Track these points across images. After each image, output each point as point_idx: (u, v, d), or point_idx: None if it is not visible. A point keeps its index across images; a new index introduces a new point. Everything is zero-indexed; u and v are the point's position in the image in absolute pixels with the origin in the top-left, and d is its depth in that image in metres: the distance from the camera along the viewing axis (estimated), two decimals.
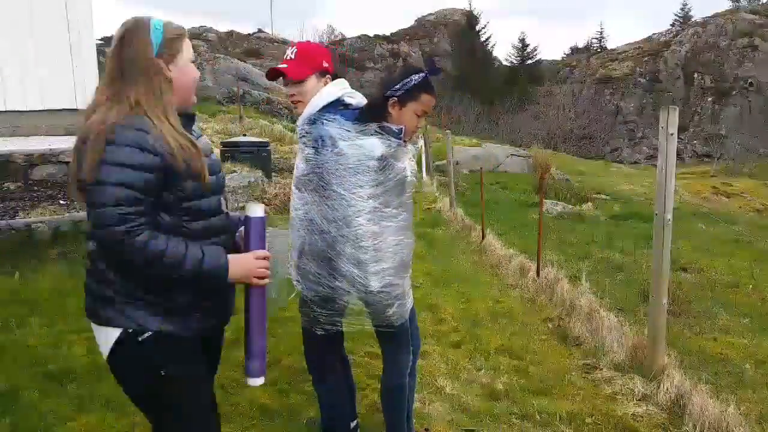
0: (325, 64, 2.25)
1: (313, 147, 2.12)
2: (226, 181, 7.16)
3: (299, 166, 2.21)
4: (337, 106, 2.18)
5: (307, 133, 2.14)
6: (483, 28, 37.94)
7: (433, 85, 2.19)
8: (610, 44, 42.45)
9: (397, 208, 2.18)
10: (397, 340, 2.31)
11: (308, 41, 2.60)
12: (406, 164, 2.20)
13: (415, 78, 2.15)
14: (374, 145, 2.09)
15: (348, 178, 2.08)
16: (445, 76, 31.60)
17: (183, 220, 1.58)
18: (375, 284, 2.13)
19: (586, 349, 3.81)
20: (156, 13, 1.66)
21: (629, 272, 6.16)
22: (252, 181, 7.53)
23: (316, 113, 2.16)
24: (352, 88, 2.30)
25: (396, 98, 2.15)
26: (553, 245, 7.19)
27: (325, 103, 2.17)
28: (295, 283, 2.27)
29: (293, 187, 2.25)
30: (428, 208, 9.48)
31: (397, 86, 2.15)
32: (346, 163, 2.07)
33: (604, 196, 13.45)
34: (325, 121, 2.11)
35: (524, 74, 37.12)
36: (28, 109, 7.04)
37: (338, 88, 2.22)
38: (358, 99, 2.24)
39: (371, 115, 2.12)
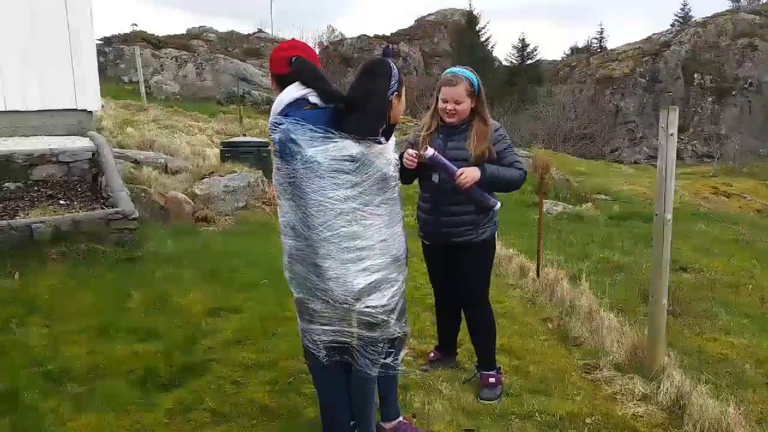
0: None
1: (279, 155, 2.08)
2: (226, 182, 7.24)
3: (274, 175, 2.17)
4: (302, 105, 2.13)
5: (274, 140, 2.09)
6: (483, 28, 37.81)
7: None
8: (610, 44, 42.41)
9: (380, 205, 2.15)
10: (376, 333, 2.25)
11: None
12: (388, 159, 2.17)
13: (395, 72, 2.20)
14: (346, 146, 2.05)
15: (322, 183, 2.04)
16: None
17: None
18: (360, 283, 2.12)
19: (586, 349, 3.81)
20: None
21: (629, 272, 6.15)
22: (252, 181, 7.51)
23: (279, 116, 2.10)
24: None
25: (396, 93, 2.21)
26: (553, 245, 7.19)
27: (289, 101, 2.13)
28: (290, 286, 2.27)
29: (276, 194, 2.22)
30: None
31: (392, 84, 2.18)
32: (319, 169, 2.03)
33: (604, 196, 13.42)
34: (290, 126, 2.05)
35: (524, 74, 37.02)
36: (28, 109, 7.04)
37: (300, 87, 2.17)
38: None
39: (382, 121, 2.14)
